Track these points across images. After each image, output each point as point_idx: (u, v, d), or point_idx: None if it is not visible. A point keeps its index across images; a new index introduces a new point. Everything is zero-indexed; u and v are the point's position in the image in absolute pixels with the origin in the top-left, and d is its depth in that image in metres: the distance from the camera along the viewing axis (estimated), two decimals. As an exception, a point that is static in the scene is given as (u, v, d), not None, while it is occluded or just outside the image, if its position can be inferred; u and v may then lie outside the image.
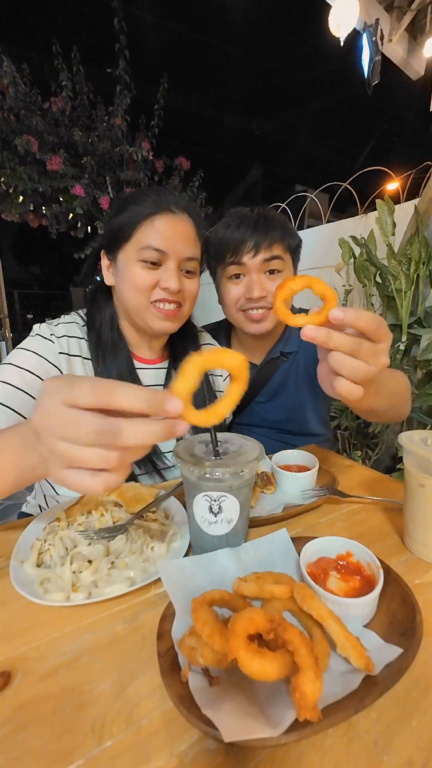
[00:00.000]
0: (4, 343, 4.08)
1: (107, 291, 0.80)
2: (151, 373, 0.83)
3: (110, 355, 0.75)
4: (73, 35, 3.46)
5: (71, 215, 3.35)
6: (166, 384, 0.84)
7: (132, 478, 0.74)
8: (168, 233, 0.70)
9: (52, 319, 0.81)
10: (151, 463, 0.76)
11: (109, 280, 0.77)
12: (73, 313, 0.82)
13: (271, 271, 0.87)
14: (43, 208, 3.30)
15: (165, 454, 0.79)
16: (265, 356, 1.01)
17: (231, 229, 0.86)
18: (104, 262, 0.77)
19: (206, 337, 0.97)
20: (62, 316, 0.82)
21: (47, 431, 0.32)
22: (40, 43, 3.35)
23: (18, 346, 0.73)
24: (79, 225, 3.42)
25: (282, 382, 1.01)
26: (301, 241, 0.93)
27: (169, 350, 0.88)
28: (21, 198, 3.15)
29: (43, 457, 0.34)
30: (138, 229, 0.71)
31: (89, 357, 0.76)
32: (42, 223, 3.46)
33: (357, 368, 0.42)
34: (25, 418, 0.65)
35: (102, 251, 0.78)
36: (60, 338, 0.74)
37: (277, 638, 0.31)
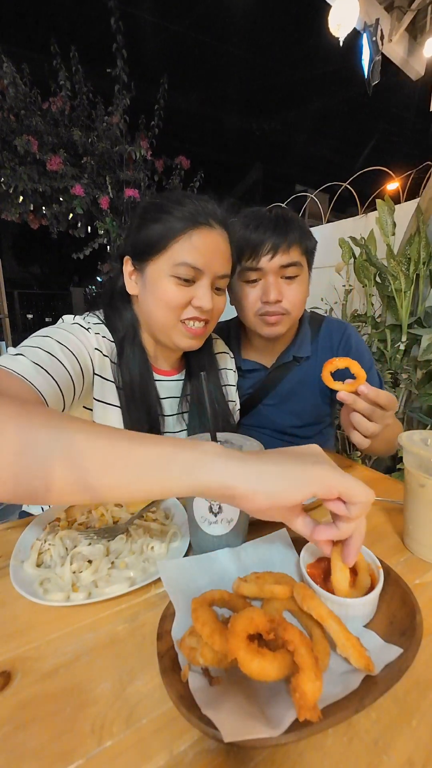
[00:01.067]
0: (3, 343, 4.07)
1: (126, 297, 0.76)
2: (170, 386, 0.82)
3: (133, 366, 0.73)
4: (72, 35, 3.46)
5: (71, 215, 3.35)
6: (183, 395, 0.83)
7: None
8: (205, 250, 0.67)
9: (52, 319, 0.79)
10: None
11: (132, 288, 0.74)
12: (90, 313, 0.78)
13: (288, 277, 0.86)
14: (43, 208, 3.30)
15: None
16: (276, 359, 1.00)
17: (249, 229, 0.84)
18: (128, 268, 0.73)
19: (220, 345, 0.96)
20: (84, 315, 0.76)
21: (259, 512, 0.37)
22: (40, 43, 3.35)
23: (55, 326, 0.68)
24: (79, 225, 3.42)
25: (294, 387, 0.99)
26: (316, 242, 0.92)
27: (184, 361, 0.86)
28: (21, 198, 3.15)
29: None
30: (174, 243, 0.66)
31: (116, 361, 0.73)
32: (42, 223, 3.46)
33: (367, 427, 0.62)
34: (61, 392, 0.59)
35: (127, 257, 0.73)
36: (97, 335, 0.71)
37: (277, 638, 0.31)
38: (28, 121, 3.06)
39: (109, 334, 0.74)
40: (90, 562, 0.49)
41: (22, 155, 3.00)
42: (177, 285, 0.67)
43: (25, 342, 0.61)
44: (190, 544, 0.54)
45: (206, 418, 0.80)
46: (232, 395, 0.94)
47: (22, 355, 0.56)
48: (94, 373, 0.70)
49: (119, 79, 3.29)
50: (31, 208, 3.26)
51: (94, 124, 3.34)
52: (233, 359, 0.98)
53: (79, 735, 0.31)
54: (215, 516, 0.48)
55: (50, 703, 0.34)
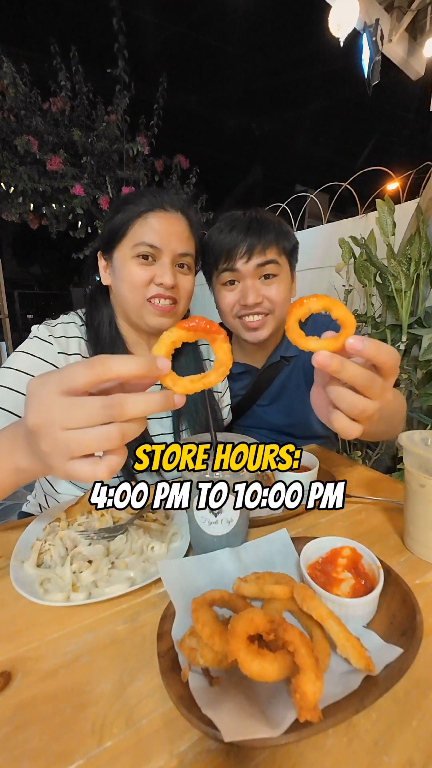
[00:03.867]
0: (3, 343, 4.07)
1: (105, 291, 0.81)
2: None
3: (108, 352, 0.75)
4: (72, 35, 3.46)
5: (71, 215, 3.35)
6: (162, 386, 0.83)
7: (131, 475, 0.74)
8: (161, 230, 0.72)
9: (53, 319, 0.81)
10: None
11: (106, 280, 0.79)
12: (71, 312, 0.83)
13: (266, 276, 0.85)
14: (43, 208, 3.30)
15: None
16: (266, 360, 1.00)
17: (223, 233, 0.84)
18: (101, 263, 0.79)
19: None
20: (61, 316, 0.82)
21: (48, 425, 0.33)
22: (40, 44, 3.35)
23: (17, 349, 0.73)
24: (79, 225, 3.42)
25: (283, 386, 1.00)
26: (297, 242, 0.92)
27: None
28: (21, 198, 3.15)
29: (43, 454, 0.35)
30: (132, 227, 0.72)
31: (87, 356, 0.76)
32: (42, 223, 3.46)
33: (356, 404, 0.39)
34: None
35: (99, 253, 0.79)
36: (58, 338, 0.74)
37: (278, 639, 0.31)
38: (28, 121, 3.06)
39: (78, 331, 0.78)
40: (90, 562, 0.49)
41: (22, 155, 3.00)
42: (139, 265, 0.72)
43: None
44: (190, 545, 0.54)
45: (203, 416, 0.81)
46: (219, 387, 0.95)
47: None
48: None
49: (120, 79, 3.29)
50: (31, 208, 3.26)
51: (94, 124, 3.34)
52: None
53: (79, 735, 0.31)
54: (215, 516, 0.48)
55: (50, 703, 0.34)
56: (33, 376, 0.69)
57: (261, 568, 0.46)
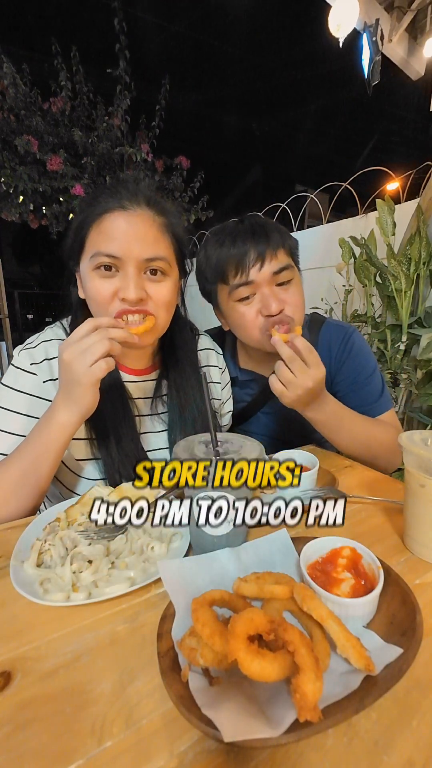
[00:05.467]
0: (3, 343, 4.07)
1: (85, 305, 0.73)
2: (139, 386, 0.78)
3: None
4: (73, 35, 3.45)
5: (71, 215, 3.36)
6: (155, 395, 0.79)
7: (130, 478, 0.74)
8: (120, 234, 0.62)
9: (52, 319, 0.78)
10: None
11: (81, 293, 0.71)
12: (56, 324, 0.78)
13: (281, 284, 0.80)
14: (44, 208, 3.30)
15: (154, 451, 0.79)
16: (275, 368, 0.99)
17: (226, 246, 0.78)
18: (77, 275, 0.72)
19: (205, 341, 0.93)
20: (45, 329, 0.77)
21: (73, 355, 0.57)
22: (40, 44, 3.35)
23: (2, 382, 0.70)
24: (79, 225, 3.42)
25: None
26: (297, 241, 0.89)
27: (160, 358, 0.82)
28: (21, 198, 3.15)
29: (74, 377, 0.57)
30: (89, 234, 0.64)
31: None
32: (42, 223, 3.46)
33: (284, 373, 0.69)
34: None
35: (71, 265, 0.73)
36: (40, 364, 0.70)
37: (278, 639, 0.31)
38: (28, 121, 3.06)
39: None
40: (90, 562, 0.49)
41: (22, 155, 3.00)
42: (100, 278, 0.63)
43: None
44: (190, 545, 0.54)
45: (206, 418, 0.80)
46: (217, 393, 0.91)
47: None
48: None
49: (121, 79, 3.29)
50: (31, 208, 3.26)
51: (94, 124, 3.35)
52: (220, 355, 0.94)
53: (79, 735, 0.31)
54: (215, 516, 0.48)
55: (50, 703, 0.34)
56: (27, 415, 0.67)
57: (261, 568, 0.46)
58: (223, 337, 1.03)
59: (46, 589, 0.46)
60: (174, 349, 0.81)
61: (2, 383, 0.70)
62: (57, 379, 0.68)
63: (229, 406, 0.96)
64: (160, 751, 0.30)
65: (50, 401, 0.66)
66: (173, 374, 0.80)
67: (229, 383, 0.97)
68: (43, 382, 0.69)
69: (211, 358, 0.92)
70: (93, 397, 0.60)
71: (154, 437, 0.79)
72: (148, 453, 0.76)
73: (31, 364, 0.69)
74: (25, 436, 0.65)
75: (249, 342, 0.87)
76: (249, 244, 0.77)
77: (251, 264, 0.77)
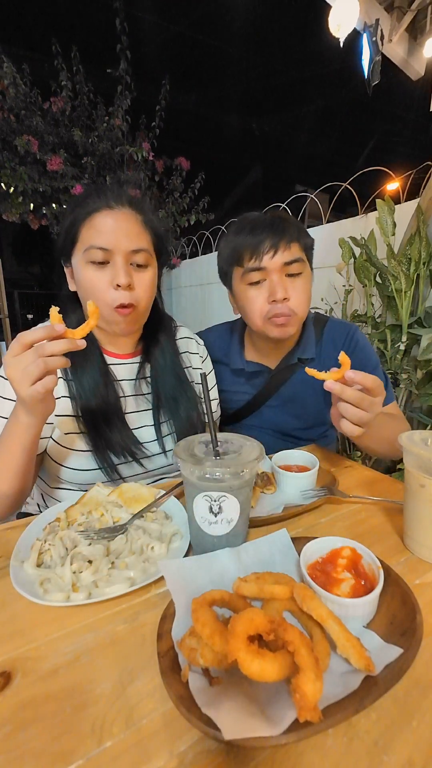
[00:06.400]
0: (3, 343, 4.07)
1: (75, 297, 0.81)
2: (125, 368, 0.85)
3: (80, 357, 0.75)
4: (73, 35, 3.45)
5: (71, 215, 3.35)
6: (138, 376, 0.85)
7: (113, 467, 0.75)
8: (108, 230, 0.71)
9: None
10: (130, 453, 0.76)
11: (72, 286, 0.79)
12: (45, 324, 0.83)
13: (291, 275, 0.85)
14: (44, 208, 3.30)
15: (144, 444, 0.79)
16: (280, 361, 0.99)
17: (245, 232, 0.85)
18: (66, 270, 0.79)
19: (184, 331, 0.97)
20: (38, 325, 0.80)
21: (13, 373, 0.54)
22: (40, 44, 3.35)
23: (1, 375, 0.73)
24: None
25: (297, 390, 0.99)
26: (314, 241, 0.92)
27: (143, 344, 0.89)
28: (21, 198, 3.15)
29: (18, 393, 0.55)
30: (81, 231, 0.72)
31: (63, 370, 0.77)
32: (42, 224, 3.46)
33: (356, 414, 0.61)
34: None
35: (62, 260, 0.79)
36: None
37: (278, 639, 0.31)
38: (28, 121, 3.06)
39: None
40: (90, 562, 0.49)
41: (23, 155, 3.00)
42: (95, 270, 0.71)
43: None
44: (190, 544, 0.54)
45: (183, 408, 0.84)
46: (197, 378, 0.94)
47: None
48: None
49: (122, 79, 3.29)
50: (31, 208, 3.26)
51: (94, 125, 3.34)
52: (201, 345, 0.99)
53: (79, 735, 0.31)
54: (215, 516, 0.48)
55: (50, 703, 0.34)
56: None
57: (261, 568, 0.46)
58: (231, 331, 1.07)
59: (46, 589, 0.46)
60: (155, 334, 0.88)
61: (2, 376, 0.74)
62: None
63: (214, 394, 1.00)
64: (160, 751, 0.30)
65: None
66: (155, 357, 0.86)
67: (213, 372, 1.01)
68: None
69: (191, 345, 0.97)
70: (44, 408, 0.59)
71: (138, 416, 0.84)
72: (133, 431, 0.80)
73: None
74: None
75: (252, 325, 0.92)
76: (266, 234, 0.83)
77: (265, 251, 0.83)
